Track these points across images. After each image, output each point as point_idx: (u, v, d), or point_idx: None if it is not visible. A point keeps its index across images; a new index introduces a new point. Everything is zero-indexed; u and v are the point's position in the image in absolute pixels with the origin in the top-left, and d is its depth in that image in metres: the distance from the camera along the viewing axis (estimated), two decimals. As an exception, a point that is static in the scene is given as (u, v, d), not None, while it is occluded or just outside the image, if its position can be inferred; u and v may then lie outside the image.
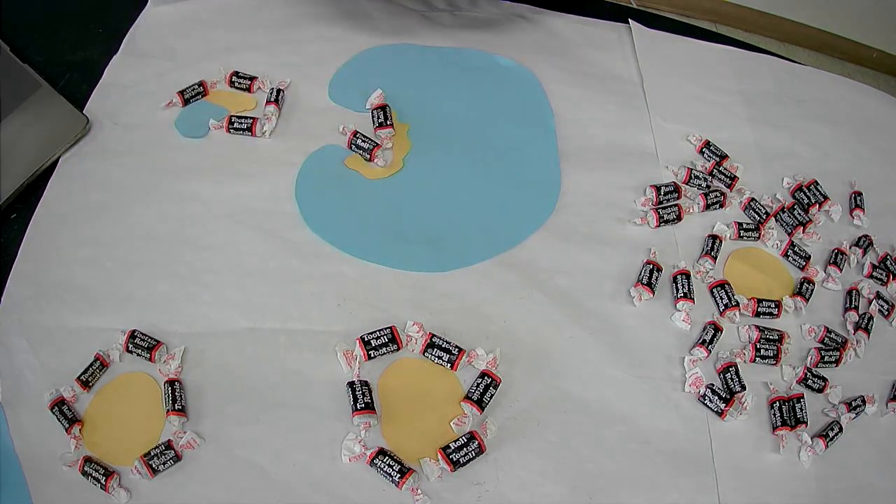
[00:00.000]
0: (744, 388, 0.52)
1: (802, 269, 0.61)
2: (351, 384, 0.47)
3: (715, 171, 0.64)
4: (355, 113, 0.61)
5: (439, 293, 0.53)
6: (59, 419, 0.44)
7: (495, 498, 0.45)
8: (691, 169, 0.62)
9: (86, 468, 0.42)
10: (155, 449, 0.43)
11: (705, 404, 0.51)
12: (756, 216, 0.62)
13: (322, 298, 0.51)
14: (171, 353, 0.47)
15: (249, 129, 0.58)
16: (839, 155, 0.70)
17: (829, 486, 0.50)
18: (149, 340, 0.47)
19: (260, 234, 0.53)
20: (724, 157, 0.65)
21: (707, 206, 0.61)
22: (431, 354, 0.49)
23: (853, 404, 0.53)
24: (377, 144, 0.58)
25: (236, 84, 0.61)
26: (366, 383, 0.47)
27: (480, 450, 0.46)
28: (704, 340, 0.53)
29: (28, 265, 0.50)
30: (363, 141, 0.58)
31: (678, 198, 0.61)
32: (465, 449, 0.45)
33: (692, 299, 0.55)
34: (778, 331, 0.56)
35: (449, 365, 0.49)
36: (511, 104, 0.65)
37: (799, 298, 0.58)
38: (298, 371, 0.48)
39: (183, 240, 0.52)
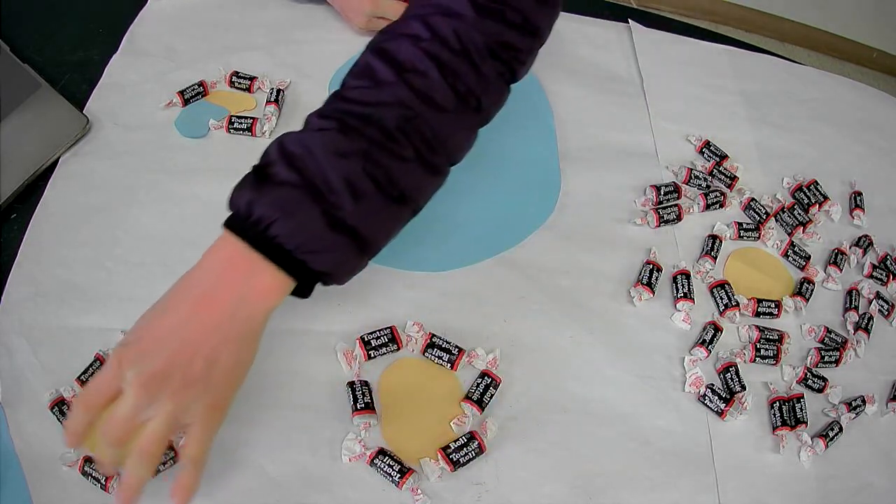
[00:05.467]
0: (744, 388, 0.52)
1: (802, 269, 0.61)
2: (351, 384, 0.47)
3: (715, 171, 0.64)
4: (355, 113, 0.61)
5: (439, 293, 0.53)
6: (59, 419, 0.44)
7: (495, 498, 0.45)
8: (691, 169, 0.62)
9: (86, 468, 0.42)
10: (155, 449, 0.43)
11: (705, 404, 0.51)
12: (756, 216, 0.62)
13: (322, 298, 0.51)
14: (171, 353, 0.47)
15: (249, 129, 0.58)
16: (839, 155, 0.70)
17: (829, 486, 0.50)
18: (149, 340, 0.46)
19: (260, 234, 0.53)
20: (724, 157, 0.65)
21: (707, 206, 0.61)
22: (431, 354, 0.49)
23: (853, 404, 0.53)
24: (377, 144, 0.58)
25: (236, 84, 0.61)
26: (366, 383, 0.47)
27: (480, 450, 0.46)
28: (704, 340, 0.53)
29: (28, 265, 0.50)
30: (363, 141, 0.58)
31: (678, 198, 0.61)
32: (465, 449, 0.45)
33: (692, 299, 0.55)
34: (778, 331, 0.56)
35: (449, 365, 0.49)
36: (511, 104, 0.65)
37: (799, 298, 0.58)
38: (298, 371, 0.48)
39: (183, 240, 0.52)
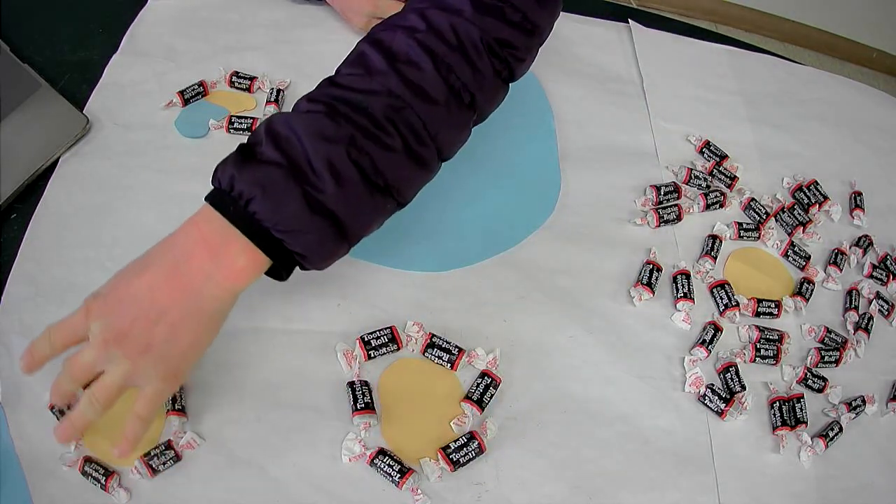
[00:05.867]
0: (744, 388, 0.52)
1: (802, 269, 0.61)
2: (351, 384, 0.47)
3: (715, 171, 0.64)
4: (355, 113, 0.61)
5: (439, 293, 0.53)
6: (59, 419, 0.44)
7: (495, 498, 0.45)
8: (691, 169, 0.62)
9: (86, 468, 0.42)
10: (155, 449, 0.43)
11: (705, 404, 0.51)
12: (756, 216, 0.62)
13: (322, 298, 0.51)
14: (171, 353, 0.47)
15: (249, 130, 0.58)
16: (839, 155, 0.70)
17: (829, 486, 0.50)
18: (149, 340, 0.46)
19: (260, 234, 0.53)
20: (724, 157, 0.65)
21: (707, 206, 0.61)
22: (431, 354, 0.49)
23: (853, 404, 0.53)
24: (377, 144, 0.58)
25: (236, 84, 0.61)
26: (366, 383, 0.47)
27: (480, 450, 0.46)
28: (704, 340, 0.53)
29: (28, 265, 0.50)
30: (363, 141, 0.58)
31: (678, 198, 0.61)
32: (465, 449, 0.45)
33: (692, 299, 0.55)
34: (778, 331, 0.56)
35: (449, 365, 0.49)
36: (511, 104, 0.65)
37: (799, 298, 0.58)
38: (298, 371, 0.48)
39: (183, 240, 0.52)
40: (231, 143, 0.57)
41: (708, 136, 0.66)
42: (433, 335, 0.49)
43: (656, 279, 0.56)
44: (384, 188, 0.41)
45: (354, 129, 0.40)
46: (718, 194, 0.62)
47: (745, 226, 0.61)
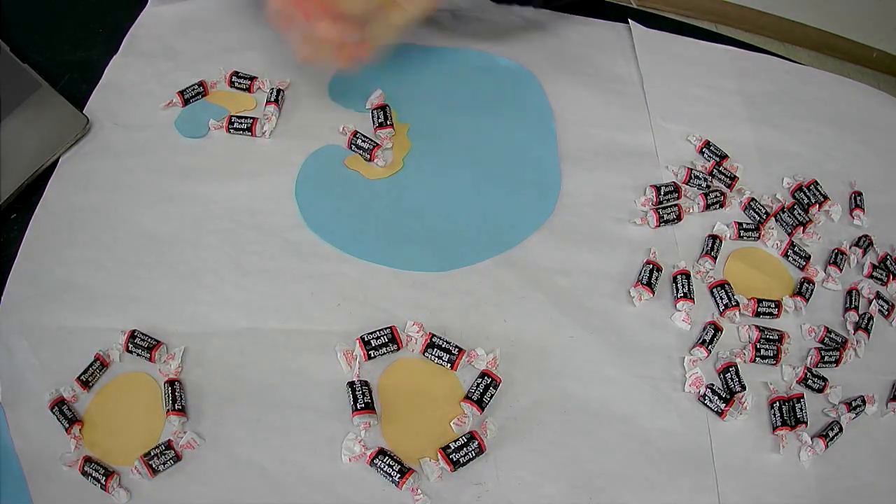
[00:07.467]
0: (744, 388, 0.52)
1: (802, 269, 0.61)
2: (351, 384, 0.47)
3: (715, 171, 0.64)
4: (355, 113, 0.61)
5: (439, 293, 0.53)
6: (59, 419, 0.44)
7: (495, 498, 0.45)
8: (691, 169, 0.62)
9: (86, 468, 0.42)
10: (155, 449, 0.43)
11: (705, 404, 0.51)
12: (756, 216, 0.62)
13: (322, 298, 0.51)
14: (171, 353, 0.47)
15: (249, 129, 0.58)
16: (839, 155, 0.70)
17: (829, 486, 0.50)
18: (149, 340, 0.47)
19: (260, 234, 0.53)
20: (724, 157, 0.65)
21: (707, 206, 0.61)
22: (431, 354, 0.49)
23: (853, 404, 0.53)
24: (377, 144, 0.58)
25: (236, 84, 0.61)
26: (366, 383, 0.47)
27: (480, 450, 0.46)
28: (704, 340, 0.53)
29: (28, 265, 0.50)
30: (363, 141, 0.58)
31: (678, 198, 0.61)
32: (465, 449, 0.45)
33: (692, 299, 0.55)
34: (778, 331, 0.56)
35: (449, 365, 0.49)
36: (511, 105, 0.65)
37: (799, 298, 0.58)
38: (298, 371, 0.48)
39: (183, 240, 0.52)
40: (231, 143, 0.58)
41: (708, 136, 0.66)
42: (433, 335, 0.49)
43: (656, 279, 0.56)
44: None
45: None
46: (718, 194, 0.62)
47: (745, 226, 0.61)
